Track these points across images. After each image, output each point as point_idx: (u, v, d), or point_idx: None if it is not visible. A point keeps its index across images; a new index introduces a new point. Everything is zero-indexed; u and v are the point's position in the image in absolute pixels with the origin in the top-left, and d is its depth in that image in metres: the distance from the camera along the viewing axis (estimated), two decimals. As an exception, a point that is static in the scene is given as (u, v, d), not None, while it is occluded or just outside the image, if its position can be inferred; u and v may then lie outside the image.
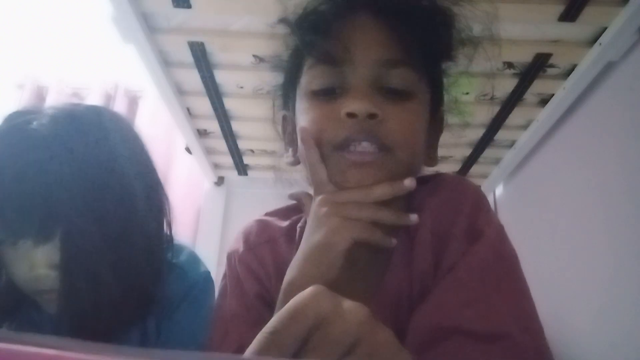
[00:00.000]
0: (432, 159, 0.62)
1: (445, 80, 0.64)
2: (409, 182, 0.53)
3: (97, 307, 0.62)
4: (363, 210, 0.52)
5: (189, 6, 1.03)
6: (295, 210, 0.70)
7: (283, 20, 0.60)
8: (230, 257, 0.68)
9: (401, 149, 0.53)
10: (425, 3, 0.57)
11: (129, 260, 0.65)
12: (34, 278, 0.62)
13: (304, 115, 0.58)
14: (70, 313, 0.62)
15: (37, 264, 0.61)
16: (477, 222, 0.55)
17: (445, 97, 0.64)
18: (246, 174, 1.89)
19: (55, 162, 0.60)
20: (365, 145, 0.53)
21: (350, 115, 0.52)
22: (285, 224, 0.68)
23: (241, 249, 0.66)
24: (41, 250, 0.61)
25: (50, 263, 0.62)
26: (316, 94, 0.57)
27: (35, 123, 0.62)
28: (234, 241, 0.69)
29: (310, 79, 0.57)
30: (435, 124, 0.62)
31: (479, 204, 0.57)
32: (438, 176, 0.63)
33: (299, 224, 0.66)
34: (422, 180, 0.63)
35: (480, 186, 0.63)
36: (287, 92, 0.64)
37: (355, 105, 0.52)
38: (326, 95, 0.56)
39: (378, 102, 0.53)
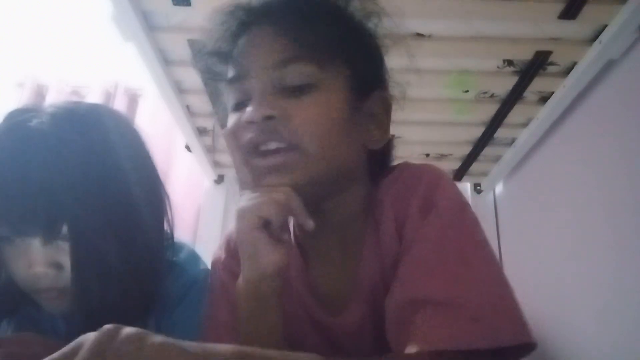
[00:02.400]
0: (377, 141, 0.62)
1: (381, 63, 0.65)
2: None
3: (107, 303, 0.62)
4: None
5: (189, 4, 1.03)
6: None
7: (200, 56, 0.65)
8: (214, 265, 0.71)
9: (307, 142, 0.55)
10: (311, 1, 0.60)
11: (132, 257, 0.65)
12: (32, 276, 0.62)
13: (226, 130, 0.61)
14: (83, 309, 0.62)
15: (36, 262, 0.62)
16: (433, 198, 0.55)
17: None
18: (246, 173, 1.88)
19: (55, 160, 0.60)
20: (272, 145, 0.55)
21: (249, 122, 0.55)
22: None
23: (223, 255, 0.69)
24: (40, 248, 0.61)
25: (49, 261, 0.62)
26: (232, 109, 0.60)
27: (35, 121, 0.62)
28: (217, 249, 0.71)
29: (228, 100, 0.62)
30: (374, 105, 0.62)
31: (435, 182, 0.57)
32: (399, 165, 0.64)
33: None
34: (390, 171, 0.64)
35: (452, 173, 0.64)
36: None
37: (251, 112, 0.55)
38: (238, 109, 0.59)
39: (278, 101, 0.55)
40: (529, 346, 0.48)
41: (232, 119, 0.60)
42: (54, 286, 0.63)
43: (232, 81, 0.60)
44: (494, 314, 0.47)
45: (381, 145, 0.63)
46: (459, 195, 0.57)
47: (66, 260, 0.62)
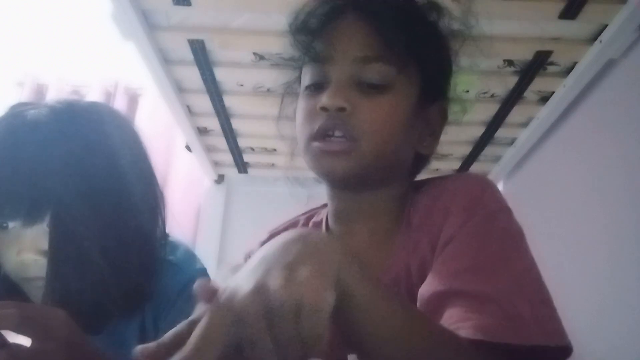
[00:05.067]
0: (427, 147, 0.66)
1: (448, 75, 0.68)
2: None
3: (82, 294, 0.62)
4: None
5: (189, 4, 1.03)
6: (296, 223, 0.73)
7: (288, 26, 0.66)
8: (247, 255, 0.70)
9: (368, 139, 0.58)
10: (402, 4, 0.62)
11: (120, 251, 0.65)
12: (20, 263, 0.63)
13: (298, 109, 0.64)
14: (56, 297, 0.62)
15: (25, 248, 0.62)
16: (481, 200, 0.57)
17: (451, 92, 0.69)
18: (246, 172, 1.89)
19: (45, 148, 0.62)
20: (337, 135, 0.58)
21: (323, 109, 0.58)
22: (301, 222, 0.72)
23: (263, 238, 0.70)
24: (29, 234, 0.62)
25: (37, 248, 0.63)
26: (307, 88, 0.62)
27: (32, 112, 0.64)
28: (252, 244, 0.71)
29: (304, 76, 0.64)
30: (432, 114, 0.65)
31: (484, 186, 0.59)
32: (445, 175, 0.66)
33: (313, 219, 0.70)
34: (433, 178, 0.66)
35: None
36: (295, 90, 0.70)
37: (326, 100, 0.58)
38: (315, 90, 0.61)
39: (353, 96, 0.58)
40: (565, 350, 0.48)
41: (304, 97, 0.63)
42: (41, 275, 0.63)
43: (313, 61, 0.62)
44: (531, 313, 0.48)
45: (431, 152, 0.66)
46: (505, 201, 0.59)
47: None
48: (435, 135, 0.66)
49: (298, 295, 0.35)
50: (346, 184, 0.60)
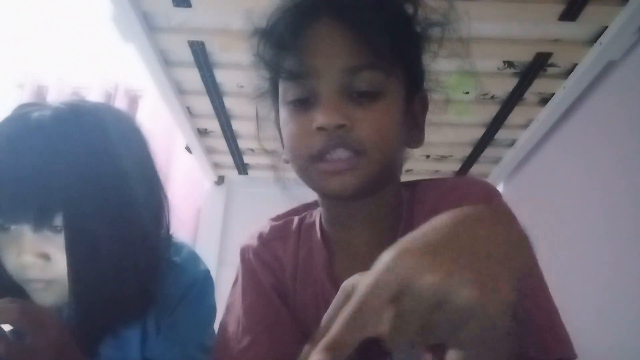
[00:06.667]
0: (416, 141, 0.64)
1: (424, 60, 0.65)
2: None
3: (103, 297, 0.63)
4: None
5: (189, 5, 1.03)
6: (297, 211, 0.73)
7: (253, 36, 0.63)
8: (243, 251, 0.70)
9: (375, 150, 0.55)
10: (382, 5, 0.58)
11: (128, 252, 0.65)
12: (20, 265, 0.63)
13: (284, 126, 0.61)
14: (79, 301, 0.63)
15: (25, 250, 0.62)
16: (490, 205, 0.56)
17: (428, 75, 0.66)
18: (246, 173, 1.89)
19: (51, 150, 0.61)
20: (340, 152, 0.55)
21: (321, 129, 0.54)
22: (295, 223, 0.71)
23: (256, 243, 0.69)
24: (29, 236, 0.62)
25: (37, 251, 0.63)
26: (291, 104, 0.59)
27: (37, 113, 0.64)
28: (248, 238, 0.72)
29: (284, 90, 0.60)
30: (416, 106, 0.63)
31: (491, 193, 0.58)
32: (448, 177, 0.64)
33: (306, 221, 0.69)
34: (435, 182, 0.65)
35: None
36: (273, 97, 0.66)
37: (324, 119, 0.54)
38: (300, 105, 0.58)
39: (347, 108, 0.55)
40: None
41: (290, 112, 0.59)
42: (41, 277, 0.64)
43: (296, 77, 0.57)
44: (546, 324, 0.49)
45: (420, 145, 0.64)
46: (510, 208, 0.58)
47: (54, 252, 0.63)
48: (420, 127, 0.65)
49: (483, 298, 0.31)
50: (354, 198, 0.57)
